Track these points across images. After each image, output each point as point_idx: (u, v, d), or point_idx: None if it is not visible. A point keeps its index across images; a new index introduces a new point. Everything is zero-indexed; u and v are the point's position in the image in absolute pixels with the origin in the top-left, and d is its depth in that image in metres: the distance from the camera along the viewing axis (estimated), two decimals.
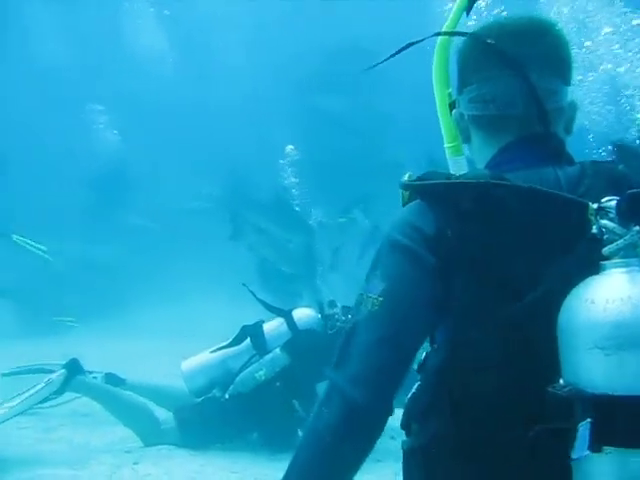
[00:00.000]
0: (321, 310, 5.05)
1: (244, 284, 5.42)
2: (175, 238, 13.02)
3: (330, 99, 13.42)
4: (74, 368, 4.98)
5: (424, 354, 1.65)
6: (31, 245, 9.82)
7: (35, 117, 13.90)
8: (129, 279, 11.56)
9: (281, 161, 10.55)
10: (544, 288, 1.46)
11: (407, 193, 1.62)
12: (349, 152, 12.61)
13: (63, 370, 4.91)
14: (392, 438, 5.07)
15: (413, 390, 1.63)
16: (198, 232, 12.99)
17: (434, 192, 1.57)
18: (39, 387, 4.74)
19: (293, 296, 8.93)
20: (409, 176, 1.64)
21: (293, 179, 10.27)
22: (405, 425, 1.65)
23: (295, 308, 5.13)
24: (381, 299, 1.54)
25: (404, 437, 1.65)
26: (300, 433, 4.76)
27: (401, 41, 1.71)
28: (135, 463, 4.45)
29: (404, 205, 1.63)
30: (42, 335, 9.39)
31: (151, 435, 4.84)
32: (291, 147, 10.86)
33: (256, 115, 12.10)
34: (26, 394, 4.68)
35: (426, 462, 1.56)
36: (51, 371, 5.25)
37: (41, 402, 4.76)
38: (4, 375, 6.00)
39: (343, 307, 5.01)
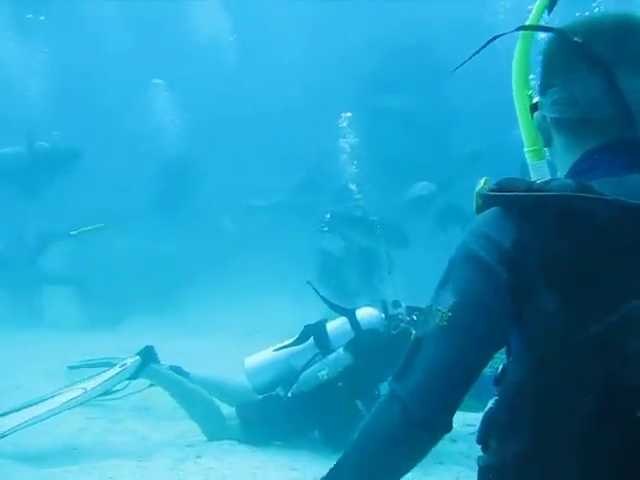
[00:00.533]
0: (385, 310, 5.01)
1: (308, 282, 5.42)
2: (240, 234, 13.14)
3: (395, 97, 13.36)
4: (148, 355, 5.10)
5: (501, 367, 1.61)
6: (88, 229, 10.00)
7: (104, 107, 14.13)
8: (193, 275, 11.70)
9: (344, 155, 10.49)
10: (632, 306, 1.40)
11: (480, 200, 1.57)
12: (417, 150, 12.54)
13: (137, 357, 5.04)
14: (453, 441, 5.06)
15: (490, 405, 1.60)
16: (263, 229, 13.13)
17: (514, 204, 1.50)
18: (114, 372, 4.88)
19: (352, 296, 8.90)
20: (485, 181, 1.59)
21: (354, 172, 10.21)
22: (482, 441, 1.61)
23: (359, 307, 5.11)
24: (450, 314, 1.51)
25: (480, 453, 1.62)
26: None
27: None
28: (198, 457, 4.51)
29: (478, 212, 1.58)
30: (104, 328, 9.61)
31: (215, 430, 4.89)
32: (348, 114, 10.82)
33: (320, 113, 12.06)
34: (101, 378, 4.83)
35: None
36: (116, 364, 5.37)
37: (114, 386, 4.89)
38: (71, 368, 6.18)
39: (407, 307, 4.96)
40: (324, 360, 4.83)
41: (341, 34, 13.91)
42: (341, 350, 4.82)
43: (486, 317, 1.51)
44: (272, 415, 4.81)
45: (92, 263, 11.40)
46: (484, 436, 1.61)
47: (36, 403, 4.54)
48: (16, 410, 4.53)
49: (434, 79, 13.45)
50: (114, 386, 4.83)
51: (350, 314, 4.99)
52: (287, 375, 4.92)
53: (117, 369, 4.91)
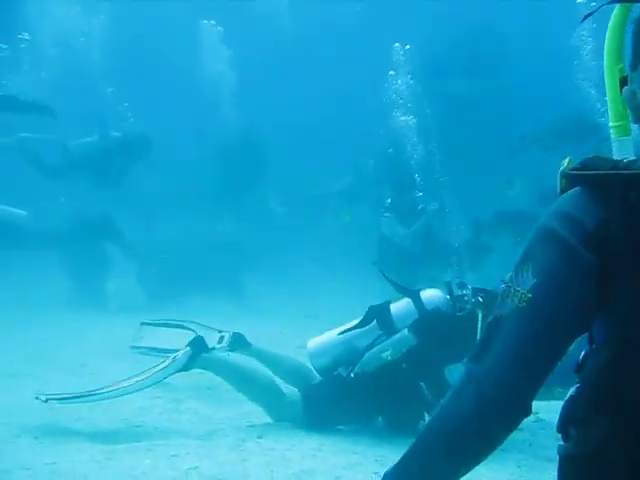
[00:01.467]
0: (450, 291, 4.90)
1: (374, 263, 5.35)
2: (302, 217, 13.17)
3: (461, 83, 13.17)
4: (199, 345, 5.06)
5: (582, 354, 1.55)
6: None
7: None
8: (254, 257, 11.77)
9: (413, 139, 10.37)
10: None
11: (564, 180, 1.51)
12: (482, 135, 12.37)
13: (188, 348, 5.00)
14: (519, 430, 4.96)
15: (571, 392, 1.54)
16: (325, 212, 13.14)
17: (600, 183, 1.44)
18: (166, 363, 4.87)
19: (412, 279, 8.80)
20: (569, 161, 1.53)
21: (419, 159, 10.09)
22: (562, 429, 1.57)
23: (423, 289, 5.02)
24: (530, 295, 1.46)
25: (560, 441, 1.58)
26: (427, 417, 4.72)
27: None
28: (259, 437, 4.54)
29: (562, 193, 1.52)
30: (167, 309, 9.73)
31: (276, 410, 4.88)
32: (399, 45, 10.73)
33: (384, 99, 11.97)
34: (153, 369, 4.82)
35: (586, 473, 1.48)
36: (189, 329, 5.45)
37: (166, 378, 4.88)
38: (144, 324, 6.30)
39: (473, 289, 4.83)
40: (388, 341, 4.76)
41: (406, 19, 13.75)
42: (405, 331, 4.75)
43: (568, 301, 1.45)
44: (335, 395, 4.76)
45: (155, 245, 11.58)
46: (565, 424, 1.56)
47: (93, 390, 4.61)
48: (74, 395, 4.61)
49: (499, 63, 13.28)
50: (166, 378, 4.83)
51: (415, 295, 4.90)
52: (349, 356, 4.86)
53: (169, 361, 4.90)
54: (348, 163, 13.15)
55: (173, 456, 4.12)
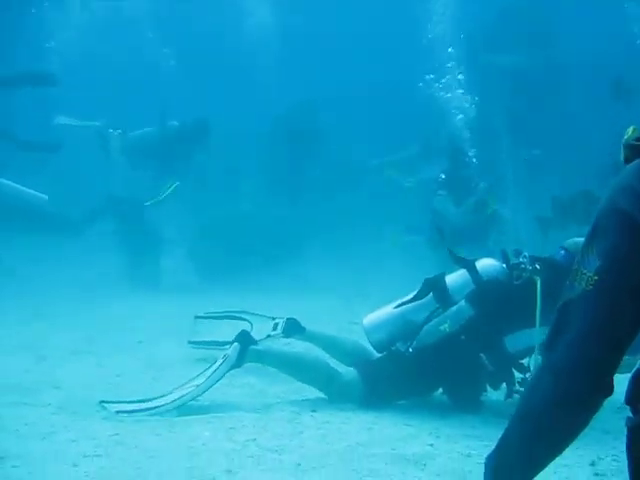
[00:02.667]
0: (505, 260, 4.81)
1: (438, 228, 5.24)
2: (356, 194, 13.16)
3: (506, 56, 12.96)
4: (245, 339, 5.05)
5: None
6: (162, 196, 10.19)
7: None
8: (306, 235, 11.82)
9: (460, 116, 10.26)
10: None
11: (628, 149, 1.48)
12: (528, 110, 12.17)
13: (236, 343, 4.98)
14: None
15: (639, 365, 1.52)
16: (379, 189, 13.11)
17: None
18: (218, 364, 4.88)
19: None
20: (633, 130, 1.50)
21: (468, 135, 9.99)
22: (631, 401, 1.55)
23: (479, 258, 4.94)
24: (596, 278, 1.44)
25: (629, 414, 1.57)
26: (488, 388, 4.72)
27: None
28: (313, 411, 4.59)
29: (625, 161, 1.49)
30: (217, 289, 9.90)
31: (334, 390, 4.83)
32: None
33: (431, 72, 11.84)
34: (208, 371, 4.85)
35: None
36: (242, 319, 5.52)
37: (222, 377, 4.84)
38: (197, 317, 6.42)
39: (530, 256, 4.70)
40: (445, 313, 4.70)
41: None
42: (463, 302, 4.68)
43: (633, 279, 1.43)
44: (394, 371, 4.72)
45: (204, 225, 11.72)
46: (633, 397, 1.55)
47: (150, 400, 4.67)
48: (136, 402, 4.67)
49: (546, 37, 13.02)
50: (222, 377, 4.82)
51: (470, 265, 4.83)
52: (406, 331, 4.81)
53: (220, 361, 4.90)
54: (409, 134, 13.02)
55: (231, 429, 4.20)
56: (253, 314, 6.09)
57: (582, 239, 4.98)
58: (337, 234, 12.19)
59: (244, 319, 5.54)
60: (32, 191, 10.12)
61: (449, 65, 10.70)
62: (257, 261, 10.80)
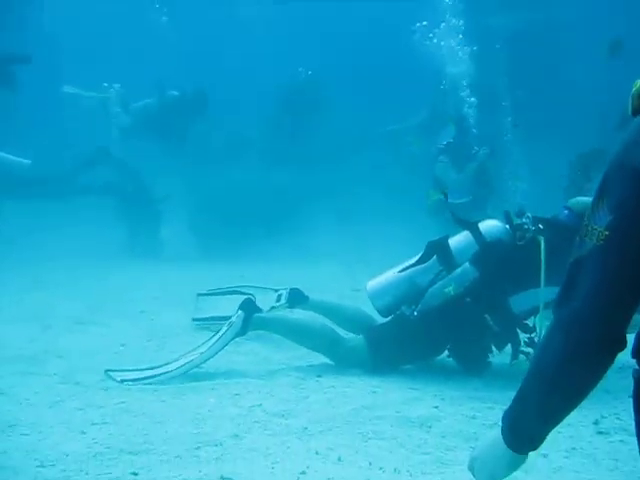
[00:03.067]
0: (508, 221, 4.79)
1: (443, 192, 5.20)
2: (354, 162, 13.12)
3: (505, 17, 12.82)
4: (250, 307, 5.05)
5: None
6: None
7: None
8: (306, 204, 11.80)
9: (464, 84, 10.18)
10: None
11: (637, 101, 1.47)
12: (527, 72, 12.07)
13: (240, 311, 4.99)
14: None
15: None
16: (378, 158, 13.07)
17: None
18: (223, 332, 4.89)
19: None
20: None
21: (467, 100, 9.92)
22: (637, 355, 1.57)
23: (482, 220, 4.91)
24: (607, 233, 1.43)
25: (636, 366, 1.59)
26: (494, 349, 4.74)
27: None
28: (318, 376, 4.63)
29: (634, 114, 1.48)
30: (220, 258, 9.91)
31: (340, 356, 4.84)
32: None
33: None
34: (213, 340, 4.86)
35: None
36: (245, 293, 5.51)
37: (226, 345, 4.87)
38: (200, 295, 6.41)
39: (533, 217, 4.70)
40: (450, 276, 4.70)
41: None
42: (467, 264, 4.67)
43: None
44: (400, 335, 4.72)
45: (204, 196, 11.69)
46: (639, 350, 1.56)
47: (159, 366, 4.67)
48: (141, 370, 4.69)
49: None
50: (226, 345, 4.85)
51: (473, 227, 4.80)
52: (411, 295, 4.81)
53: (225, 328, 4.90)
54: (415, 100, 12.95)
55: (236, 395, 4.23)
56: (256, 287, 6.08)
57: (585, 198, 4.98)
58: (338, 202, 12.16)
59: (247, 293, 5.52)
60: (14, 157, 10.11)
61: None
62: (258, 231, 10.79)
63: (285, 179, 11.96)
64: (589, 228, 1.47)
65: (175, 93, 11.04)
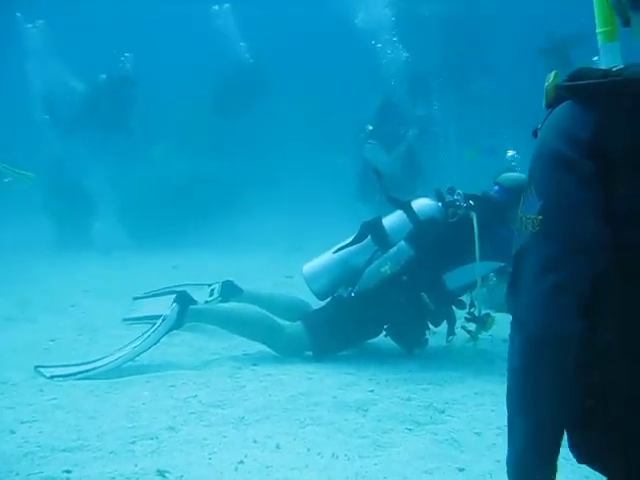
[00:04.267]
0: (440, 198, 4.84)
1: (374, 170, 5.20)
2: (288, 150, 13.11)
3: (432, 5, 12.93)
4: (184, 299, 4.99)
5: None
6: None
7: None
8: (240, 194, 11.73)
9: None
10: None
11: (552, 94, 1.49)
12: (459, 59, 12.22)
13: (174, 304, 4.92)
14: (505, 341, 5.08)
15: None
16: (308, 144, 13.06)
17: (593, 93, 1.42)
18: (157, 325, 4.82)
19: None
20: (555, 75, 1.50)
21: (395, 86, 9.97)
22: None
23: (414, 199, 4.94)
24: (541, 217, 1.44)
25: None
26: (431, 327, 4.80)
27: None
28: (254, 365, 4.61)
29: (547, 108, 1.51)
30: (153, 249, 9.76)
31: (280, 344, 4.81)
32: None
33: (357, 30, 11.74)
34: (147, 333, 4.79)
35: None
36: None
37: (161, 338, 4.79)
38: (136, 298, 6.28)
39: (464, 194, 4.77)
40: (385, 255, 4.71)
41: None
42: (402, 243, 4.70)
43: (577, 209, 1.43)
44: (338, 317, 4.72)
45: (138, 183, 11.50)
46: None
47: (91, 361, 4.57)
48: (72, 365, 4.58)
49: None
50: (161, 338, 4.77)
51: (406, 206, 4.83)
52: (347, 276, 4.81)
53: (159, 321, 4.83)
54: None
55: (171, 386, 4.19)
56: (189, 284, 5.98)
57: (514, 174, 5.09)
58: (273, 189, 12.13)
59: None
60: None
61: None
62: (191, 220, 10.65)
63: (220, 166, 11.88)
64: (523, 219, 1.48)
65: (103, 76, 10.90)
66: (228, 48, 13.29)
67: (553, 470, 1.54)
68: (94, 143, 11.06)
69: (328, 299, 4.92)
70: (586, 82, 1.44)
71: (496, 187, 4.86)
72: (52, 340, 5.30)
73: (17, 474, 2.98)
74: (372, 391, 4.08)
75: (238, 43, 13.29)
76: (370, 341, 5.00)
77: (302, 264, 5.11)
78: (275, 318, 5.05)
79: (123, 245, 10.36)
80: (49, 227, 10.56)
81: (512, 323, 1.53)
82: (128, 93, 11.01)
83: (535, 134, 1.55)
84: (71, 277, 8.01)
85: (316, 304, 5.08)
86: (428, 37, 12.00)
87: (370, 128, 9.14)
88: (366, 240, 4.83)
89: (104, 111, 10.72)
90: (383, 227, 4.81)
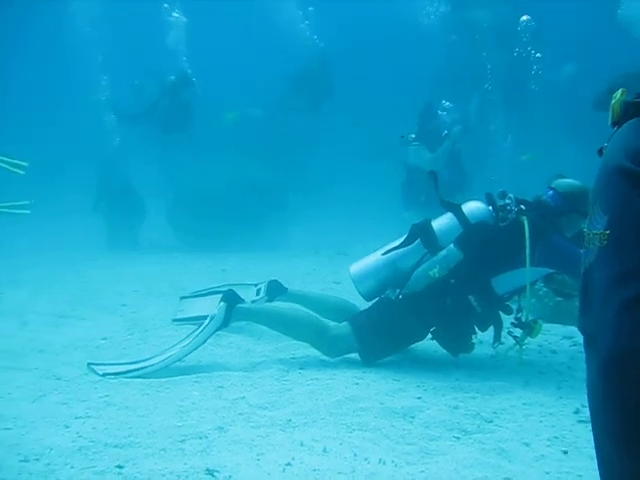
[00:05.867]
0: (491, 202, 4.79)
1: (431, 172, 5.17)
2: (337, 157, 13.15)
3: (483, 11, 12.87)
4: (232, 298, 5.01)
5: None
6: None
7: None
8: (284, 199, 11.77)
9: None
10: None
11: (618, 110, 1.45)
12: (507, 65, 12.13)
13: (222, 303, 4.95)
14: (553, 353, 5.04)
15: None
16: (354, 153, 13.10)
17: None
18: (205, 324, 4.86)
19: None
20: (622, 92, 1.46)
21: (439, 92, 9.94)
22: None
23: (465, 202, 4.88)
24: (607, 232, 1.39)
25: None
26: (478, 330, 4.74)
27: None
28: (301, 368, 4.63)
29: (614, 124, 1.47)
30: (199, 251, 9.87)
31: (327, 344, 4.82)
32: None
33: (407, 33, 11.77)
34: (196, 332, 4.83)
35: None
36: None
37: (209, 337, 4.84)
38: (183, 298, 6.37)
39: (516, 198, 4.72)
40: (434, 258, 4.68)
41: None
42: (451, 246, 4.66)
43: None
44: (384, 319, 4.71)
45: (183, 188, 11.64)
46: None
47: (142, 360, 4.64)
48: (123, 364, 4.65)
49: None
50: (209, 337, 4.82)
51: (457, 209, 4.78)
52: (395, 278, 4.78)
53: (207, 321, 4.87)
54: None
55: (219, 387, 4.23)
56: (235, 284, 6.04)
57: (569, 180, 5.00)
58: (321, 195, 12.18)
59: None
60: None
61: None
62: (239, 223, 10.74)
63: (269, 172, 11.97)
64: (590, 235, 1.45)
65: (172, 77, 11.17)
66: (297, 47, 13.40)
67: None
68: (151, 142, 11.25)
69: (374, 300, 4.91)
70: None
71: (550, 192, 4.79)
72: (104, 339, 5.41)
73: (72, 467, 3.05)
74: (419, 398, 4.08)
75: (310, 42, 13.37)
76: (417, 348, 5.00)
77: (348, 267, 5.09)
78: (321, 319, 5.07)
79: (171, 247, 10.54)
80: (100, 228, 10.75)
81: (585, 343, 1.46)
82: (188, 94, 11.21)
83: (600, 152, 1.53)
84: (121, 277, 8.16)
85: (363, 306, 5.07)
86: (477, 41, 11.95)
87: (413, 136, 9.10)
88: (415, 243, 4.79)
89: (165, 111, 10.90)
90: (432, 230, 4.77)
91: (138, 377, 4.42)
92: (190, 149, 11.61)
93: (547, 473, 3.10)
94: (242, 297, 5.18)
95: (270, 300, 5.68)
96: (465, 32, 12.38)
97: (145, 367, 4.55)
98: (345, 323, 4.86)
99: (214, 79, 12.52)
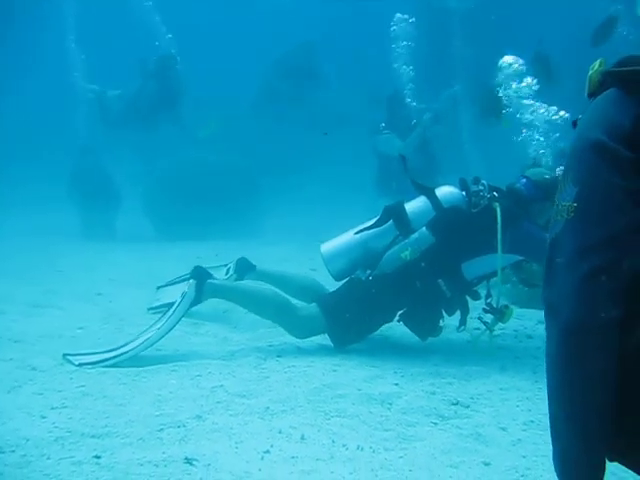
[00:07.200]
0: (464, 187, 4.82)
1: (401, 155, 5.17)
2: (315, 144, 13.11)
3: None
4: (201, 274, 5.02)
5: None
6: None
7: None
8: (262, 185, 11.73)
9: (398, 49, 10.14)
10: None
11: (596, 80, 1.49)
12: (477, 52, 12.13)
13: (192, 280, 4.95)
14: (529, 338, 5.09)
15: None
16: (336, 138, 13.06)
17: (638, 79, 1.41)
18: (177, 303, 4.84)
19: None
20: (601, 63, 1.50)
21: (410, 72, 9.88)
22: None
23: (438, 186, 4.90)
24: (575, 204, 1.43)
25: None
26: (445, 314, 4.77)
27: None
28: (279, 356, 4.64)
29: (590, 97, 1.50)
30: (176, 239, 9.81)
31: (295, 325, 4.84)
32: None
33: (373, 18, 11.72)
34: (168, 314, 4.81)
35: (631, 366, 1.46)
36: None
37: (183, 316, 4.84)
38: (159, 287, 6.32)
39: (489, 185, 4.76)
40: (406, 240, 4.70)
41: None
42: (424, 229, 4.69)
43: (612, 196, 1.42)
44: (354, 299, 4.71)
45: (160, 176, 11.54)
46: None
47: (118, 347, 4.61)
48: (99, 353, 4.62)
49: None
50: (183, 316, 4.82)
51: (430, 193, 4.81)
52: (366, 258, 4.79)
53: (179, 299, 4.85)
54: None
55: (197, 376, 4.22)
56: (208, 267, 6.02)
57: (543, 169, 5.06)
58: (298, 180, 12.13)
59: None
60: None
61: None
62: (215, 210, 10.68)
63: (245, 157, 11.91)
64: (559, 207, 1.47)
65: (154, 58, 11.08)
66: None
67: (601, 466, 1.51)
68: (131, 134, 11.13)
69: (344, 281, 4.90)
70: (632, 68, 1.44)
71: (523, 180, 4.83)
72: (80, 328, 5.36)
73: (48, 458, 3.03)
74: (397, 384, 4.10)
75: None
76: (394, 334, 5.03)
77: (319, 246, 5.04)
78: (288, 297, 5.05)
79: (147, 235, 10.46)
80: (74, 216, 10.64)
81: (546, 312, 1.51)
82: (173, 73, 11.05)
83: (574, 124, 1.54)
84: (96, 266, 8.10)
85: (332, 287, 5.05)
86: (449, 30, 11.94)
87: (383, 125, 9.08)
88: (387, 224, 4.80)
89: (151, 93, 10.74)
90: (405, 212, 4.79)
91: (115, 366, 4.38)
92: (179, 128, 11.45)
93: (524, 457, 3.13)
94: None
95: (240, 278, 5.66)
96: (438, 20, 12.36)
97: (122, 353, 4.51)
98: (314, 304, 4.85)
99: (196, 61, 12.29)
